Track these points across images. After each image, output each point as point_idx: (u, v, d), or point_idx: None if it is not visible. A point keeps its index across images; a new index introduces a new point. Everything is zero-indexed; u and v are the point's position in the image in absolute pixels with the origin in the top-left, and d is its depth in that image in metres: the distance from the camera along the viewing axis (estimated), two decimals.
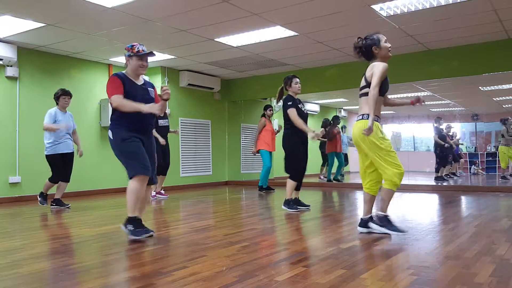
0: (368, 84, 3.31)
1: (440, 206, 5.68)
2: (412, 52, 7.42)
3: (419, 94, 9.95)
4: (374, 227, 3.43)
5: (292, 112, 4.87)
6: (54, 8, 5.08)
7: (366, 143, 3.32)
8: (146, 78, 3.72)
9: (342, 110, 14.19)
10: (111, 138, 3.39)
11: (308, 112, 5.27)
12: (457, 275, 2.29)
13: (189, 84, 8.83)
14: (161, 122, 6.43)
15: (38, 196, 5.82)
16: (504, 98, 10.88)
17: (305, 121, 5.03)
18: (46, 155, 5.49)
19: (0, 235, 3.76)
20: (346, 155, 10.76)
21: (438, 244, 3.12)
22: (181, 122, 8.90)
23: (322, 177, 10.48)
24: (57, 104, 5.58)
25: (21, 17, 5.40)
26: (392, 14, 5.46)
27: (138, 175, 3.31)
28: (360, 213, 4.80)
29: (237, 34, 6.32)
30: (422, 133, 13.65)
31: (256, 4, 5.07)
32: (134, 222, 3.35)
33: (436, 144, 9.46)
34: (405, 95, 10.17)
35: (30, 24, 5.66)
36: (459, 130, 13.02)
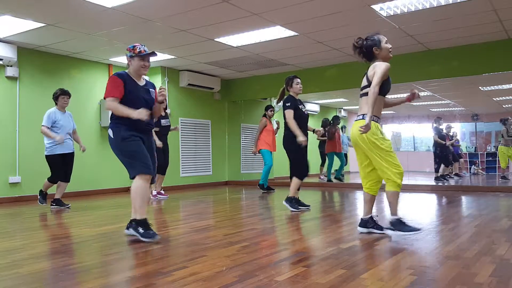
0: (369, 84, 3.29)
1: (440, 206, 5.68)
2: (412, 52, 7.42)
3: (419, 93, 9.95)
4: (389, 233, 3.37)
5: (288, 114, 4.90)
6: (54, 8, 5.08)
7: (366, 143, 3.31)
8: (146, 78, 3.72)
9: (342, 110, 14.20)
10: (112, 137, 3.38)
11: (308, 112, 5.27)
12: (457, 275, 2.29)
13: (189, 84, 8.83)
14: (163, 122, 6.48)
15: (38, 195, 5.82)
16: (504, 98, 10.88)
17: (306, 122, 5.05)
18: (46, 155, 5.48)
19: (0, 235, 3.76)
20: (346, 155, 10.77)
21: (438, 244, 3.12)
22: (181, 122, 8.89)
23: (322, 177, 10.48)
24: (56, 104, 5.58)
25: (21, 17, 5.40)
26: (392, 14, 5.46)
27: (140, 174, 3.31)
28: (360, 213, 4.80)
29: (237, 34, 6.32)
30: (422, 133, 13.65)
31: (256, 4, 5.07)
32: (144, 224, 3.33)
33: (436, 144, 9.47)
34: (405, 95, 10.15)
35: (30, 24, 5.66)
36: (459, 130, 13.02)
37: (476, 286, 2.11)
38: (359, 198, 6.67)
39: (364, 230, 3.53)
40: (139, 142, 3.37)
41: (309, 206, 5.17)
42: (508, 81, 8.73)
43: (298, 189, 5.12)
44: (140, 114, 3.23)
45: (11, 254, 2.98)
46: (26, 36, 6.18)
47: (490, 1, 5.04)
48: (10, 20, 5.49)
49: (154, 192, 6.69)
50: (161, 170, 6.49)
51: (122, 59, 7.65)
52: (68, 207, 5.60)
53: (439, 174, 9.46)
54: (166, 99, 3.59)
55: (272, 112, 7.73)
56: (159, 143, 6.23)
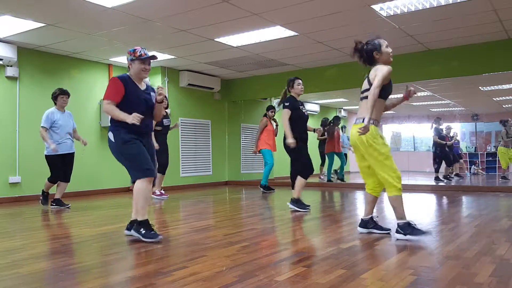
0: (370, 87, 3.28)
1: (440, 206, 5.68)
2: (412, 52, 7.42)
3: (419, 94, 9.96)
4: (399, 237, 3.27)
5: (284, 114, 4.93)
6: (54, 8, 5.08)
7: (365, 146, 3.28)
8: (147, 80, 3.72)
9: (342, 110, 14.19)
10: (112, 140, 3.39)
11: (308, 113, 5.28)
12: (457, 275, 2.29)
13: (189, 84, 8.83)
14: (165, 121, 6.51)
15: (40, 195, 5.81)
16: (504, 98, 10.88)
17: (305, 123, 5.08)
18: (46, 155, 5.48)
19: (0, 235, 3.76)
20: (346, 155, 10.78)
21: (438, 244, 3.12)
22: (181, 122, 8.89)
23: (322, 177, 10.49)
24: (55, 104, 5.57)
25: (21, 17, 5.40)
26: (392, 14, 5.46)
27: (142, 177, 3.33)
28: (360, 213, 4.81)
29: (237, 34, 6.32)
30: (422, 133, 13.65)
31: (256, 4, 5.07)
32: (146, 225, 3.35)
33: (436, 144, 9.47)
34: (401, 95, 10.16)
35: (30, 24, 5.66)
36: (459, 130, 13.02)
37: (476, 286, 2.11)
38: (359, 198, 6.67)
39: (364, 230, 3.53)
40: (139, 145, 3.38)
41: (309, 206, 5.16)
42: (508, 81, 8.73)
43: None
44: (134, 119, 3.22)
45: (11, 254, 2.98)
46: (26, 36, 6.18)
47: (490, 1, 5.04)
48: (10, 20, 5.49)
49: (158, 192, 6.71)
50: (161, 169, 6.51)
51: (122, 59, 7.65)
52: (68, 207, 5.60)
53: (442, 175, 9.47)
54: (166, 98, 3.59)
55: (273, 113, 7.73)
56: (156, 145, 6.25)
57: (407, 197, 6.45)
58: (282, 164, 9.81)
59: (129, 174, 3.42)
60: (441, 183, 8.85)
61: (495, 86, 9.31)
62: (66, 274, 2.45)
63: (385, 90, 3.29)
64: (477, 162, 12.42)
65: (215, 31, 6.14)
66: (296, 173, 5.07)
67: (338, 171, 9.97)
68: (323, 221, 4.36)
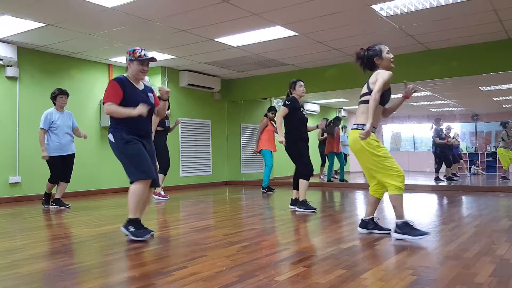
0: (370, 91, 3.28)
1: (440, 206, 5.68)
2: (412, 52, 7.42)
3: (419, 94, 9.96)
4: (396, 236, 3.29)
5: (281, 111, 4.99)
6: (54, 8, 5.08)
7: (363, 152, 3.31)
8: (146, 78, 3.72)
9: (342, 110, 14.19)
10: (113, 141, 3.39)
11: (308, 112, 5.29)
12: (457, 275, 2.29)
13: (189, 84, 8.83)
14: (167, 122, 6.52)
15: (43, 197, 5.81)
16: (504, 98, 10.88)
17: (305, 125, 5.10)
18: None
19: (0, 235, 3.76)
20: (346, 156, 10.77)
21: (438, 244, 3.12)
22: (181, 122, 8.88)
23: (322, 177, 10.49)
24: (54, 104, 5.56)
25: (21, 17, 5.40)
26: (392, 14, 5.46)
27: (139, 179, 3.33)
28: (360, 213, 4.81)
29: (237, 34, 6.31)
30: (422, 133, 13.66)
31: (256, 4, 5.07)
32: (135, 223, 3.37)
33: (436, 144, 9.46)
34: (400, 95, 10.15)
35: (30, 24, 5.66)
36: (459, 130, 13.02)
37: (476, 286, 2.11)
38: (359, 198, 6.67)
39: (364, 231, 3.53)
40: (140, 146, 3.38)
41: (315, 208, 5.15)
42: (508, 81, 8.73)
43: (297, 189, 5.11)
44: (140, 109, 3.25)
45: (11, 254, 2.98)
46: (26, 36, 6.18)
47: (490, 1, 5.04)
48: (10, 20, 5.49)
49: (163, 193, 6.72)
50: (162, 170, 6.52)
51: (122, 59, 7.64)
52: (68, 207, 5.60)
53: (444, 175, 9.47)
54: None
55: (273, 114, 7.73)
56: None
57: (407, 197, 6.45)
58: (282, 164, 9.82)
59: (127, 174, 3.41)
60: (441, 183, 8.85)
61: (495, 86, 9.31)
62: (66, 274, 2.45)
63: (383, 96, 3.29)
64: (477, 162, 12.41)
65: (215, 31, 6.14)
66: (298, 174, 5.07)
67: (339, 172, 9.97)
68: (323, 221, 4.36)
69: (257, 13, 5.39)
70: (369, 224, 3.52)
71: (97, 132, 7.84)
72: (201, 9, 5.21)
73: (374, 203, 3.52)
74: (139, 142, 3.38)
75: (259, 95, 9.95)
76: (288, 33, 6.22)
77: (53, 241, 3.48)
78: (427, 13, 5.42)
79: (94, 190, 7.67)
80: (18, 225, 4.41)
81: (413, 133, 13.94)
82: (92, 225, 4.23)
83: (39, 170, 6.41)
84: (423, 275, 2.30)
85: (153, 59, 3.47)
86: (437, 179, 9.29)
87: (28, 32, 6.00)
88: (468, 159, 12.55)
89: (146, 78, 3.71)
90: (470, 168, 12.36)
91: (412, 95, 3.57)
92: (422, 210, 5.19)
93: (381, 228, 3.52)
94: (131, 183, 3.38)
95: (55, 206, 5.58)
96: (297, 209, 5.04)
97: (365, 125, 3.28)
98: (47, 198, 5.72)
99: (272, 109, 7.72)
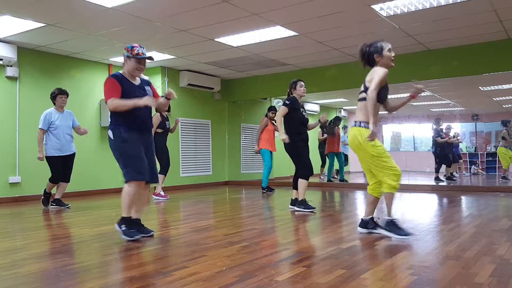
0: (366, 89, 3.30)
1: (440, 206, 5.68)
2: (412, 52, 7.42)
3: (419, 94, 9.94)
4: (381, 231, 3.43)
5: (281, 110, 5.01)
6: (54, 8, 5.08)
7: (362, 150, 3.34)
8: (146, 77, 3.72)
9: (342, 110, 14.19)
10: (112, 138, 3.39)
11: (308, 112, 5.30)
12: (457, 275, 2.29)
13: (189, 84, 8.82)
14: (167, 123, 6.52)
15: (42, 195, 5.80)
16: (504, 98, 10.88)
17: (305, 125, 5.09)
18: (46, 156, 5.46)
19: (0, 235, 3.76)
20: (346, 156, 10.77)
21: (438, 244, 3.12)
22: (181, 122, 8.89)
23: (322, 177, 10.49)
24: (54, 104, 5.56)
25: (21, 17, 5.40)
26: (392, 14, 5.46)
27: (133, 180, 3.32)
28: (360, 213, 4.81)
29: (237, 34, 6.31)
30: (422, 133, 13.66)
31: (256, 4, 5.07)
32: (127, 222, 3.38)
33: (436, 144, 9.47)
34: (405, 95, 10.16)
35: (30, 24, 5.66)
36: (459, 130, 13.02)
37: (476, 286, 2.11)
38: (359, 198, 6.67)
39: (364, 230, 3.53)
40: (138, 146, 3.37)
41: (314, 207, 5.15)
42: (508, 81, 8.73)
43: (297, 189, 5.11)
44: (147, 100, 3.25)
45: (11, 254, 2.98)
46: (26, 36, 6.18)
47: (490, 1, 5.04)
48: (10, 20, 5.49)
49: (163, 193, 6.72)
50: (163, 171, 6.53)
51: (122, 59, 7.62)
52: (68, 207, 5.60)
53: (444, 175, 9.47)
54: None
55: (274, 113, 7.73)
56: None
57: (407, 197, 6.46)
58: (282, 164, 9.82)
59: (122, 173, 3.40)
60: (441, 183, 8.85)
61: (495, 86, 9.31)
62: (66, 274, 2.45)
63: (380, 93, 3.30)
64: (477, 162, 12.41)
65: (215, 31, 6.14)
66: (298, 174, 5.07)
67: (339, 173, 9.97)
68: (323, 221, 4.36)
69: (257, 13, 5.39)
70: (369, 223, 3.52)
71: (97, 132, 7.84)
72: (201, 9, 5.21)
73: (373, 202, 3.52)
74: (137, 142, 3.37)
75: (259, 95, 9.95)
76: (288, 33, 6.22)
77: (53, 241, 3.48)
78: (427, 13, 5.42)
79: (94, 190, 7.67)
80: (18, 225, 4.41)
81: (413, 133, 13.94)
82: (92, 225, 4.23)
83: (39, 170, 6.40)
84: (423, 275, 2.30)
85: (150, 58, 3.47)
86: (437, 179, 9.29)
87: (28, 32, 6.00)
88: (468, 159, 12.55)
89: (145, 77, 3.70)
90: (470, 168, 12.36)
91: (418, 96, 3.61)
92: (422, 210, 5.19)
93: (381, 228, 3.52)
94: (125, 182, 3.37)
95: (55, 206, 5.58)
96: (296, 208, 5.04)
97: (363, 122, 3.32)
98: (47, 197, 5.71)
99: (272, 109, 7.72)
